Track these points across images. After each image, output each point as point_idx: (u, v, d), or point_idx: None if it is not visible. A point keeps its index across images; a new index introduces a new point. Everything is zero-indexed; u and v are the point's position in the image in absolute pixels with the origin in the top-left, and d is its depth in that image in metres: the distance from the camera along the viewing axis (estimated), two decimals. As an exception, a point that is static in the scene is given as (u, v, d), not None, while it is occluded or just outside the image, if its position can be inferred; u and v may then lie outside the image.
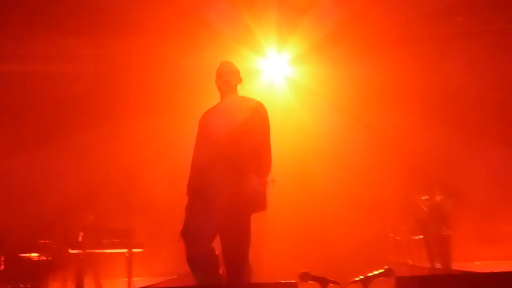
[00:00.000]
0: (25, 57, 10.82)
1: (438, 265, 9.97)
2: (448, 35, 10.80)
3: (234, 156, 4.53)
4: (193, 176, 4.68)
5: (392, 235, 11.06)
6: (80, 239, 9.24)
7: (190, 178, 4.70)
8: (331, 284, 4.17)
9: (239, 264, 4.43)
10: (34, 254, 9.34)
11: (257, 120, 4.74)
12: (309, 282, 4.20)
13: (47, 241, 9.45)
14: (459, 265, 9.59)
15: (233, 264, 4.41)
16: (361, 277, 4.19)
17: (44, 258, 9.26)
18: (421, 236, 10.36)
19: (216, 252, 4.47)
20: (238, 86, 4.96)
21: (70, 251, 9.18)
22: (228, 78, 4.90)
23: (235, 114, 4.76)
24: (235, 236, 4.43)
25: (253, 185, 4.44)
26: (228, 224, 4.40)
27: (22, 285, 8.96)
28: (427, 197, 10.31)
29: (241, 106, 4.83)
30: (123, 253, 9.24)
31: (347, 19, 10.11)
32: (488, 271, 4.50)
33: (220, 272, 4.47)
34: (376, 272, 4.18)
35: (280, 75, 11.45)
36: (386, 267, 4.21)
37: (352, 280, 4.22)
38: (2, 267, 8.83)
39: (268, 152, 4.67)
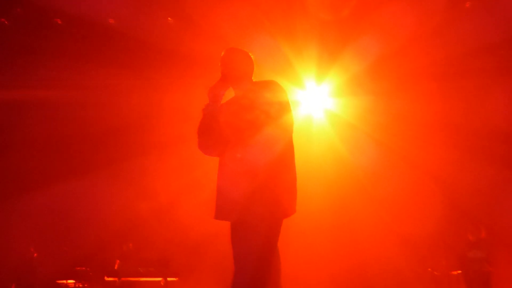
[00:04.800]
0: (65, 86, 11.05)
1: (477, 302, 9.77)
2: (491, 70, 10.67)
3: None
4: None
5: (430, 269, 10.82)
6: (116, 267, 9.28)
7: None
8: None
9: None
10: (71, 281, 9.45)
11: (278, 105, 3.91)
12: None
13: (84, 268, 9.54)
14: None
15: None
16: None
17: (80, 285, 9.35)
18: (460, 272, 10.20)
19: None
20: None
21: (106, 278, 9.23)
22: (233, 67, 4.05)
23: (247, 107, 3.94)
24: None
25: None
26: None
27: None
28: (470, 232, 10.18)
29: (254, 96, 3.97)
30: (159, 282, 9.26)
31: (387, 52, 10.07)
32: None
33: None
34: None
35: (319, 107, 11.40)
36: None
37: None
38: None
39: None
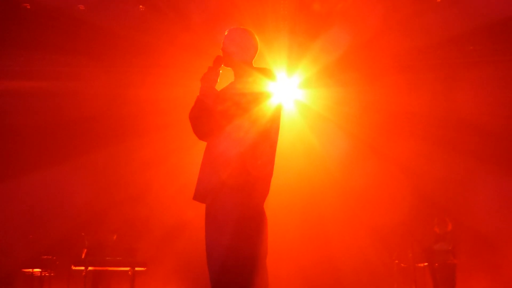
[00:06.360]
0: (35, 75, 10.93)
1: (442, 293, 9.93)
2: (458, 63, 10.83)
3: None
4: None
5: (397, 261, 10.97)
6: (83, 256, 9.23)
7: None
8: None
9: None
10: (37, 270, 9.40)
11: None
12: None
13: (50, 257, 9.49)
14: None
15: None
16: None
17: (47, 274, 9.30)
18: (426, 264, 10.34)
19: None
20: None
21: (73, 267, 9.18)
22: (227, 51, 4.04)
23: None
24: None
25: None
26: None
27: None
28: (437, 225, 10.33)
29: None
30: (126, 271, 9.27)
31: (357, 44, 10.14)
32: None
33: None
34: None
35: (289, 99, 11.44)
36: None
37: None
38: None
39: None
